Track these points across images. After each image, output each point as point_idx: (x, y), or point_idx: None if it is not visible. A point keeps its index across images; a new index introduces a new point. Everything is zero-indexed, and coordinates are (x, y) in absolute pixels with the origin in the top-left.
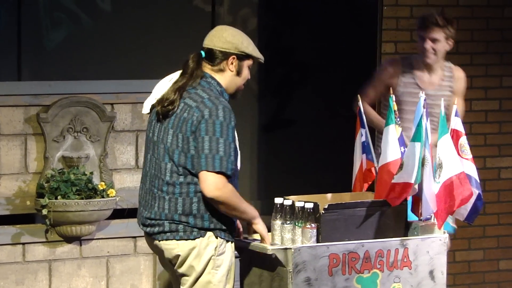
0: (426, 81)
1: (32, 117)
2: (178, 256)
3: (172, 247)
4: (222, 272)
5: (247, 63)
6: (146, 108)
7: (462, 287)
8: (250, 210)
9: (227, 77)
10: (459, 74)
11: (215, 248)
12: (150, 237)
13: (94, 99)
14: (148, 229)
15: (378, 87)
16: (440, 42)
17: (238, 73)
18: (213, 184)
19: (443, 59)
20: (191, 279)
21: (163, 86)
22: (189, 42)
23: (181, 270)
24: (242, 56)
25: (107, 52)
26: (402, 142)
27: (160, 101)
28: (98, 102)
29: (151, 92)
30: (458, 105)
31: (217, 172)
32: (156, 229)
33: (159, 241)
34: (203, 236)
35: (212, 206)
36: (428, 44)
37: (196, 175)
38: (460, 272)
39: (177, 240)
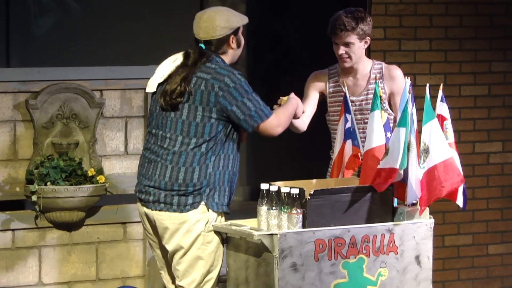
0: (352, 87)
1: (21, 104)
2: (167, 228)
3: (164, 218)
4: (212, 248)
5: (240, 31)
6: (151, 87)
7: (451, 272)
8: (294, 104)
9: (230, 55)
10: (394, 73)
11: (205, 224)
12: (145, 205)
13: (83, 86)
14: (144, 197)
15: (310, 99)
16: (354, 45)
17: (238, 45)
18: (273, 127)
19: (370, 60)
20: (180, 254)
21: (168, 66)
22: (178, 27)
23: (170, 247)
24: (237, 30)
25: (96, 39)
26: (387, 127)
27: (165, 94)
28: (87, 88)
29: (140, 79)
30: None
31: (270, 116)
32: (151, 197)
33: (152, 210)
34: (196, 208)
35: (210, 176)
36: (342, 50)
37: (204, 143)
38: (449, 257)
39: (170, 212)
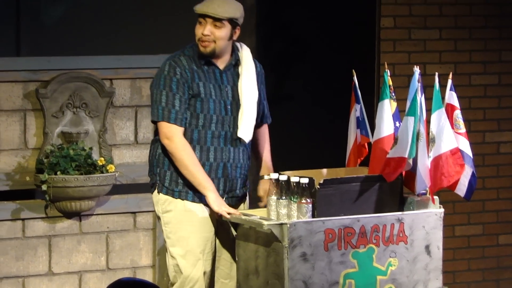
0: None
1: (31, 93)
2: None
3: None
4: (170, 229)
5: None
6: None
7: (462, 262)
8: (202, 178)
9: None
10: None
11: (160, 204)
12: None
13: (93, 75)
14: None
15: None
16: None
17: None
18: (162, 132)
19: None
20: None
21: None
22: (189, 16)
23: None
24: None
25: (106, 27)
26: (397, 117)
27: None
28: (97, 77)
29: (150, 68)
30: None
31: (161, 121)
32: None
33: None
34: (155, 188)
35: (159, 157)
36: None
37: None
38: (460, 247)
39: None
